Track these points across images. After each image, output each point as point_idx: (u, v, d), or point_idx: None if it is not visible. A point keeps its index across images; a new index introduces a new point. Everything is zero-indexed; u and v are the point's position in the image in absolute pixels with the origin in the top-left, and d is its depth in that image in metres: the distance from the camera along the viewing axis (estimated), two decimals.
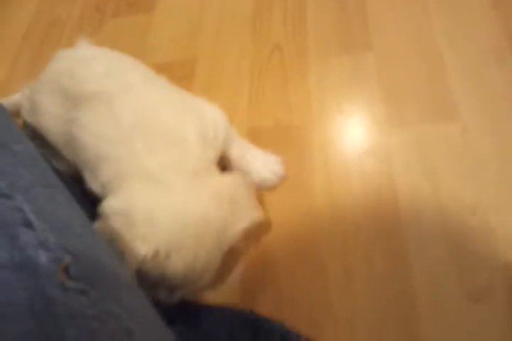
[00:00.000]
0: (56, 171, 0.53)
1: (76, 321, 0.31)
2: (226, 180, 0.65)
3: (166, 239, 0.57)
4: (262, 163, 0.78)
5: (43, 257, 0.35)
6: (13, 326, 0.29)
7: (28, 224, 0.38)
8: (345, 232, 0.73)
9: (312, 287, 0.69)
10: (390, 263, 0.69)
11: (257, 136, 0.87)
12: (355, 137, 0.84)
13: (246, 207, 0.64)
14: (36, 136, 0.77)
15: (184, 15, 1.12)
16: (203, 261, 0.58)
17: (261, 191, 0.78)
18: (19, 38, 1.16)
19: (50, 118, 0.74)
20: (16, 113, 0.84)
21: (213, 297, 0.67)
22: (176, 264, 0.57)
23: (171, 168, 0.61)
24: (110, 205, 0.59)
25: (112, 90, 0.68)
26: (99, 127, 0.66)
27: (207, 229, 0.59)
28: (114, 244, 0.55)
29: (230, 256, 0.61)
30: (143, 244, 0.56)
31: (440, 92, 0.84)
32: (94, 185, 0.66)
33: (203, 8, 1.12)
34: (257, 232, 0.65)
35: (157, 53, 1.06)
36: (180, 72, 1.00)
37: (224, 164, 0.76)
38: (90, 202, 0.66)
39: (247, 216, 0.63)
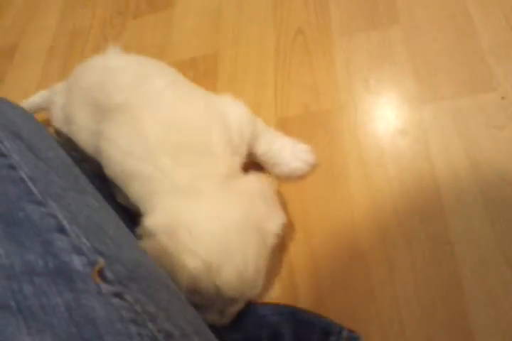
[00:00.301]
0: (89, 176, 0.55)
1: (114, 325, 0.32)
2: (252, 180, 0.66)
3: (214, 251, 0.57)
4: (290, 153, 0.76)
5: (77, 262, 0.35)
6: (52, 333, 0.30)
7: (62, 230, 0.38)
8: (384, 218, 0.71)
9: (353, 277, 0.68)
10: (433, 248, 0.66)
11: (286, 126, 0.85)
12: (386, 117, 0.82)
13: (273, 205, 0.65)
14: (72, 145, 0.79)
15: (203, 8, 1.11)
16: (253, 266, 0.59)
17: (292, 181, 0.78)
18: (47, 48, 1.18)
19: (81, 130, 0.76)
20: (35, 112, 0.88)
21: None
22: (229, 274, 0.57)
23: (201, 181, 0.61)
24: (152, 224, 0.60)
25: (136, 102, 0.68)
26: (125, 142, 0.66)
27: (249, 231, 0.59)
28: (163, 262, 0.54)
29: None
30: (193, 259, 0.56)
31: (473, 62, 0.80)
32: (125, 198, 0.68)
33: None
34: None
35: (180, 49, 1.05)
36: (204, 67, 1.00)
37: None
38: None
39: (277, 215, 0.65)
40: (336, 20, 0.97)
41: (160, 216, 0.60)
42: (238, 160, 0.68)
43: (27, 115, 0.59)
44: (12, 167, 0.44)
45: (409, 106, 0.81)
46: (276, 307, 0.64)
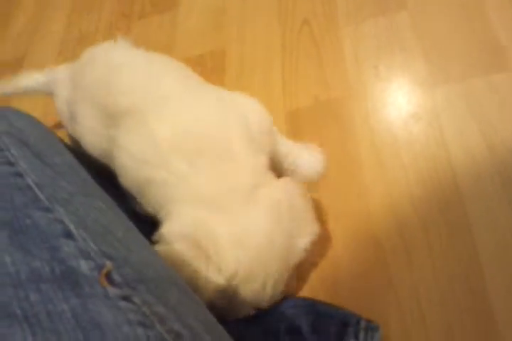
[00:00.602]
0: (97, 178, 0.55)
1: (123, 329, 0.32)
2: (280, 187, 0.61)
3: (235, 268, 0.54)
4: (308, 157, 0.74)
5: (84, 266, 0.35)
6: (60, 340, 0.30)
7: (69, 235, 0.38)
8: (400, 206, 0.70)
9: (370, 266, 0.67)
10: (451, 233, 0.65)
11: (296, 119, 0.85)
12: (398, 103, 0.80)
13: (304, 219, 0.61)
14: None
15: (207, 6, 1.11)
16: (272, 286, 0.57)
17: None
18: (55, 55, 1.19)
19: (88, 132, 0.71)
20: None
21: None
22: (247, 295, 0.56)
23: (223, 187, 0.57)
24: (169, 231, 0.57)
25: (146, 105, 0.64)
26: (136, 148, 0.62)
27: (272, 250, 0.56)
28: (178, 270, 0.52)
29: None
30: (215, 274, 0.54)
31: (484, 41, 0.78)
32: (143, 207, 0.64)
33: None
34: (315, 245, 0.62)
35: (187, 47, 1.06)
36: (211, 64, 1.00)
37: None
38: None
39: (308, 230, 0.61)
40: (342, 8, 0.96)
41: (177, 224, 0.57)
42: (263, 161, 0.63)
43: (34, 122, 0.59)
44: (19, 174, 0.45)
45: (421, 91, 0.79)
46: (294, 300, 0.63)
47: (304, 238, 0.60)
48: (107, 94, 0.67)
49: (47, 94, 0.87)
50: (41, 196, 0.42)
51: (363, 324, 0.58)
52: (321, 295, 0.65)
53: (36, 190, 0.43)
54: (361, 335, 0.57)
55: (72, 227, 0.39)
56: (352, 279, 0.66)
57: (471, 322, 0.58)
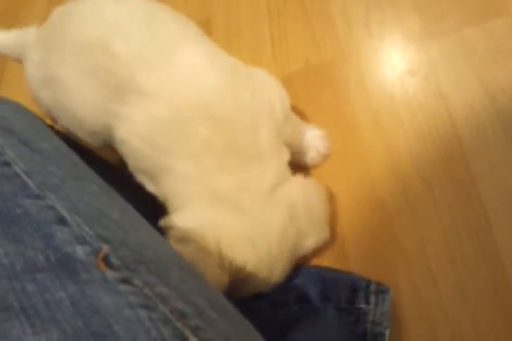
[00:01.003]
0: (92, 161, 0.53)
1: (123, 313, 0.31)
2: (297, 187, 0.59)
3: (241, 264, 0.54)
4: (312, 141, 0.71)
5: (79, 252, 0.34)
6: (58, 329, 0.29)
7: (62, 221, 0.37)
8: (401, 165, 0.68)
9: (376, 228, 0.66)
10: (456, 189, 0.64)
11: (288, 84, 0.81)
12: (392, 60, 0.78)
13: (318, 222, 0.61)
14: None
15: None
16: (277, 276, 0.58)
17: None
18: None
19: (80, 104, 0.60)
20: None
21: None
22: (250, 287, 0.57)
23: (245, 186, 0.55)
24: (183, 226, 0.54)
25: (157, 75, 0.55)
26: (160, 135, 0.55)
27: (282, 250, 0.56)
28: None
29: None
30: (221, 272, 0.53)
31: None
32: (151, 188, 0.60)
33: None
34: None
35: None
36: None
37: None
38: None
39: (319, 233, 0.61)
40: None
41: (191, 220, 0.55)
42: (287, 157, 0.60)
43: (19, 108, 0.58)
44: (6, 163, 0.43)
45: (415, 46, 0.76)
46: (301, 269, 0.62)
47: (313, 239, 0.60)
48: (106, 53, 0.57)
49: (14, 58, 0.75)
50: (30, 183, 0.41)
51: (372, 287, 0.58)
52: (327, 261, 0.65)
53: (25, 177, 0.42)
54: (372, 299, 0.57)
55: (64, 213, 0.38)
56: (358, 243, 0.66)
57: (482, 278, 0.58)
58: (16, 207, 0.39)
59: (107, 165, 0.75)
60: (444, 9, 0.76)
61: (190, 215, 0.55)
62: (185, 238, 0.53)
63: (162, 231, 0.54)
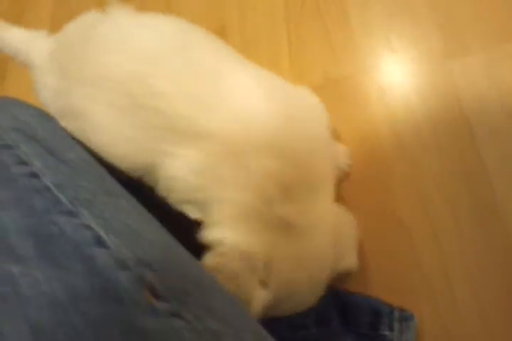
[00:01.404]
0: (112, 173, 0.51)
1: None
2: (338, 214, 0.58)
3: (287, 283, 0.52)
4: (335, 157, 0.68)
5: (123, 279, 0.32)
6: None
7: (100, 242, 0.35)
8: (423, 183, 0.68)
9: (396, 247, 0.65)
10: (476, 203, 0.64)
11: None
12: (412, 74, 0.77)
13: (350, 249, 0.59)
14: None
15: None
16: (312, 302, 0.56)
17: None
18: None
19: (112, 139, 0.55)
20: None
21: None
22: (286, 307, 0.55)
23: (302, 214, 0.53)
24: (229, 237, 0.52)
25: (220, 119, 0.52)
26: (218, 169, 0.52)
27: (323, 272, 0.55)
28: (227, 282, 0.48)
29: None
30: (264, 291, 0.51)
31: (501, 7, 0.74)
32: (195, 215, 0.55)
33: None
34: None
35: None
36: None
37: None
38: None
39: (349, 260, 0.59)
40: None
41: (242, 236, 0.51)
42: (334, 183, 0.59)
43: (40, 113, 0.55)
44: (35, 175, 0.41)
45: (437, 62, 0.75)
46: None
47: (344, 265, 0.58)
48: (149, 97, 0.52)
49: (15, 59, 0.69)
50: (63, 199, 0.39)
51: (396, 313, 0.57)
52: (347, 285, 0.64)
53: (56, 191, 0.40)
54: (396, 326, 0.56)
55: (101, 233, 0.36)
56: (378, 261, 0.65)
57: (506, 308, 0.57)
58: (50, 225, 0.36)
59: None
60: (467, 27, 0.76)
61: (240, 232, 0.52)
62: (231, 252, 0.51)
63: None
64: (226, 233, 0.51)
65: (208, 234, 0.51)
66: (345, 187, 0.71)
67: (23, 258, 0.33)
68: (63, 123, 0.58)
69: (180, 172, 0.53)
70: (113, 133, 0.54)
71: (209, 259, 0.50)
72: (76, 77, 0.57)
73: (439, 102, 0.73)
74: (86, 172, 0.46)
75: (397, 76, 0.78)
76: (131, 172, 0.57)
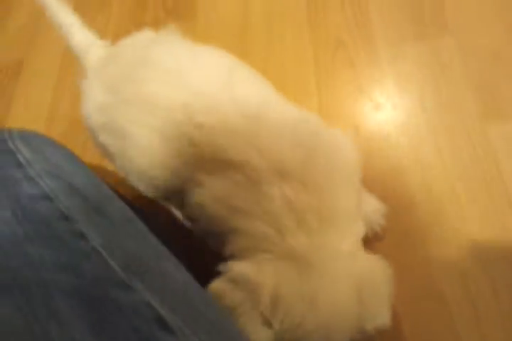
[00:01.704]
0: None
1: None
2: (367, 261, 0.55)
3: (295, 324, 0.48)
4: (370, 214, 0.67)
5: None
6: None
7: (162, 324, 0.31)
8: (461, 252, 0.65)
9: (432, 315, 0.61)
10: None
11: None
12: (446, 137, 0.75)
13: (378, 302, 0.54)
14: None
15: (229, 18, 1.03)
16: None
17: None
18: (58, 64, 1.09)
19: (152, 161, 0.58)
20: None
21: None
22: None
23: (320, 250, 0.51)
24: (238, 271, 0.50)
25: (249, 151, 0.52)
26: (239, 198, 0.52)
27: (344, 321, 0.50)
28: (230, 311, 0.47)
29: None
30: (265, 330, 0.48)
31: None
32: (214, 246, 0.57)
33: (247, 9, 1.03)
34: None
35: None
36: None
37: None
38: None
39: (378, 316, 0.53)
40: (379, 30, 0.90)
41: (255, 266, 0.50)
42: (362, 230, 0.56)
43: (72, 156, 0.51)
44: (81, 235, 0.37)
45: (473, 125, 0.75)
46: None
47: (373, 323, 0.52)
48: (192, 129, 0.54)
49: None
50: (115, 266, 0.35)
51: None
52: None
53: (106, 256, 0.36)
54: None
55: (163, 313, 0.32)
56: (415, 333, 0.61)
57: None
58: (104, 299, 0.32)
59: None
60: (505, 91, 0.75)
61: (253, 263, 0.51)
62: (239, 280, 0.49)
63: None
64: (237, 262, 0.51)
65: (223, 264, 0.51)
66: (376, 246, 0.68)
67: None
68: (102, 136, 0.62)
69: (205, 200, 0.54)
70: (152, 156, 0.57)
71: (215, 284, 0.49)
72: (125, 96, 0.60)
73: (476, 164, 0.71)
74: (130, 231, 0.42)
75: (430, 137, 0.77)
76: (160, 193, 0.60)
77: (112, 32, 1.10)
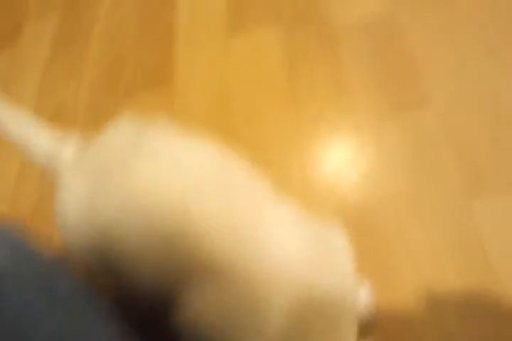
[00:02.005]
0: None
1: None
2: None
3: None
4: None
5: None
6: None
7: None
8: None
9: None
10: None
11: None
12: (433, 218, 0.75)
13: None
14: None
15: (207, 84, 1.02)
16: None
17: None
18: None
19: (139, 264, 0.53)
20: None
21: None
22: None
23: None
24: None
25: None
26: (235, 314, 0.49)
27: None
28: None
29: None
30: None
31: None
32: None
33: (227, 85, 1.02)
34: None
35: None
36: None
37: None
38: None
39: None
40: (362, 100, 0.91)
41: None
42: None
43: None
44: None
45: (457, 200, 0.75)
46: None
47: None
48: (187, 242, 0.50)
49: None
50: None
51: None
52: None
53: None
54: None
55: None
56: None
57: None
58: None
59: None
60: (489, 167, 0.76)
61: None
62: None
63: None
64: None
65: None
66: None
67: None
68: (85, 241, 0.55)
69: (202, 309, 0.51)
70: (144, 259, 0.52)
71: None
72: (115, 192, 0.53)
73: (462, 246, 0.72)
74: None
75: (411, 215, 0.77)
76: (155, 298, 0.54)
77: (84, 101, 1.08)
